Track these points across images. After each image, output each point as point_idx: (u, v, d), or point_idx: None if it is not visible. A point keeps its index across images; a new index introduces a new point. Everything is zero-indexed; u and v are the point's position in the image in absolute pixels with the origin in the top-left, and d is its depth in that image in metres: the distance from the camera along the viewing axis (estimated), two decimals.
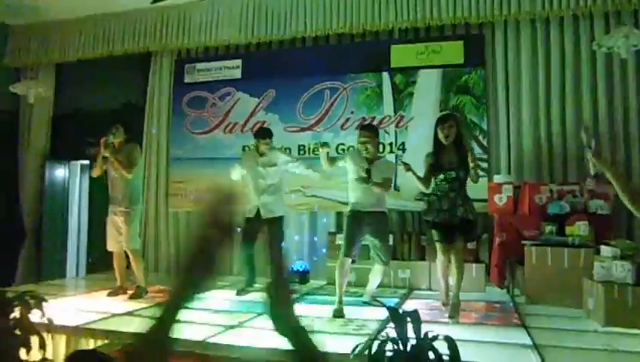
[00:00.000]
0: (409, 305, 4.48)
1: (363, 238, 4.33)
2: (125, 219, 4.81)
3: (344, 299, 4.17)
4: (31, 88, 6.33)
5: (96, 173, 4.99)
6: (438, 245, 4.20)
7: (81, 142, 7.09)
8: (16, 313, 2.95)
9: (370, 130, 4.43)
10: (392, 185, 4.63)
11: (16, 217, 7.15)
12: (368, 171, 4.17)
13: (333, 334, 3.51)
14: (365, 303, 4.51)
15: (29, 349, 2.87)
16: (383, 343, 2.55)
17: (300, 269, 5.69)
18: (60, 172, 7.45)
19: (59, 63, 7.30)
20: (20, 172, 7.29)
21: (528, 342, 3.30)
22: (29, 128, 7.35)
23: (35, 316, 2.87)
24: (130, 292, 4.85)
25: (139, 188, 5.04)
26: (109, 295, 4.85)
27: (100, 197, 7.14)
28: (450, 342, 2.46)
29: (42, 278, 6.51)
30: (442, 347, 2.35)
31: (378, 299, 4.61)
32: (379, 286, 4.72)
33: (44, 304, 2.91)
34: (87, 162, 7.36)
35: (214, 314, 4.09)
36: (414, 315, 2.64)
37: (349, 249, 4.20)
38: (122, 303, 4.57)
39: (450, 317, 3.92)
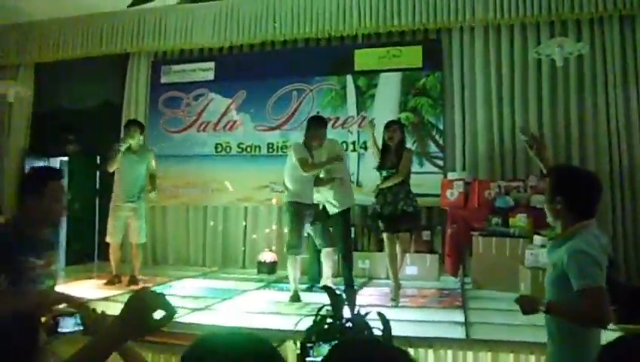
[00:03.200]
0: (366, 293, 4.88)
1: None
2: (136, 213, 5.15)
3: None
4: (10, 88, 6.58)
5: (113, 167, 5.19)
6: (384, 234, 4.56)
7: (60, 140, 7.38)
8: None
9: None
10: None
11: None
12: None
13: (288, 315, 3.89)
14: (308, 288, 4.87)
15: None
16: (323, 318, 2.95)
17: (268, 260, 6.04)
18: None
19: (38, 63, 7.53)
20: (0, 169, 7.52)
21: (461, 320, 3.71)
22: (9, 126, 7.56)
23: None
24: (124, 280, 5.17)
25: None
26: (107, 284, 5.11)
27: (77, 193, 7.46)
28: (383, 318, 2.85)
29: None
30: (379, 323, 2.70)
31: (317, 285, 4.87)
32: (337, 276, 5.01)
33: None
34: (65, 159, 7.63)
35: (183, 299, 4.46)
36: (350, 295, 3.03)
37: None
38: (107, 291, 4.87)
39: (392, 299, 4.32)
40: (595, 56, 5.80)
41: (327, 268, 4.74)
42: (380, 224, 4.50)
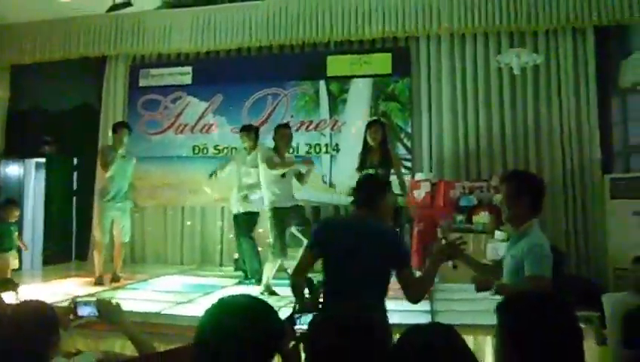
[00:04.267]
0: None
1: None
2: (124, 213, 5.33)
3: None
4: None
5: (111, 170, 5.28)
6: None
7: (37, 141, 7.47)
8: None
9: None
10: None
11: None
12: None
13: None
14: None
15: None
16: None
17: None
18: (15, 169, 7.75)
19: (14, 65, 7.59)
20: None
21: (428, 308, 4.05)
22: None
23: (8, 298, 3.37)
24: (107, 278, 5.29)
25: None
26: (96, 284, 5.18)
27: (54, 193, 7.56)
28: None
29: None
30: None
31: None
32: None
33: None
34: (42, 160, 7.71)
35: (166, 294, 4.68)
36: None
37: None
38: (85, 288, 5.04)
39: None
40: (550, 65, 6.24)
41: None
42: None
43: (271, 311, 1.36)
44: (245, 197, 5.39)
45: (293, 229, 4.81)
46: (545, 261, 2.31)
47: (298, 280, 2.55)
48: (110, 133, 5.59)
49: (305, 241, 4.99)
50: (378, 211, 2.56)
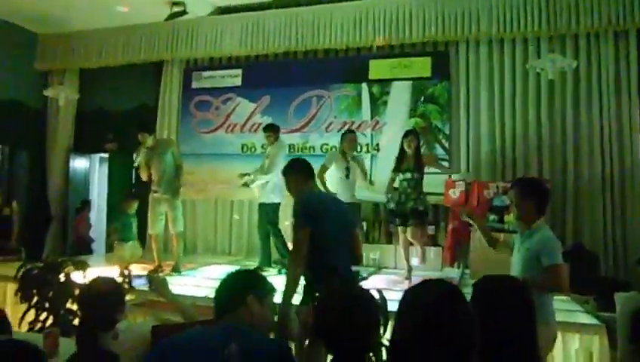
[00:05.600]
0: (375, 279, 5.50)
1: None
2: (170, 205, 5.66)
3: None
4: (61, 92, 7.35)
5: (144, 175, 5.76)
6: (397, 228, 5.40)
7: (101, 138, 8.15)
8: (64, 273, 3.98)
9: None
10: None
11: (44, 203, 8.20)
12: None
13: None
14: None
15: (73, 300, 3.89)
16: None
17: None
18: (82, 163, 8.48)
19: (82, 69, 8.30)
20: (48, 163, 8.31)
21: None
22: (56, 125, 8.36)
23: (78, 277, 3.88)
24: (166, 268, 5.66)
25: None
26: (151, 273, 5.38)
27: (116, 185, 8.22)
28: (380, 294, 3.46)
29: (67, 254, 7.53)
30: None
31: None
32: None
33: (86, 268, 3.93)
34: (106, 155, 8.40)
35: (213, 281, 5.13)
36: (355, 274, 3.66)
37: None
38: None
39: (405, 278, 5.30)
40: (591, 68, 6.26)
41: None
42: (390, 218, 5.37)
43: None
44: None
45: None
46: (558, 251, 2.75)
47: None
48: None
49: None
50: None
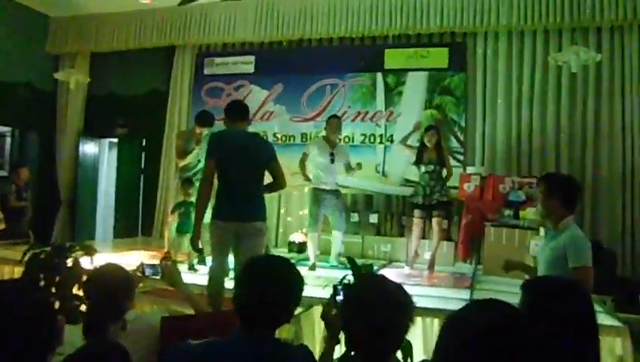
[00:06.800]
0: (386, 273, 5.40)
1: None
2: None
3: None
4: (72, 76, 7.27)
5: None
6: (416, 220, 5.43)
7: (111, 123, 8.08)
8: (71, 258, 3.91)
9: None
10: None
11: (53, 187, 8.16)
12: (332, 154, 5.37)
13: (315, 286, 4.44)
14: (333, 266, 5.47)
15: (80, 286, 3.82)
16: (344, 284, 3.48)
17: (298, 241, 6.60)
18: (92, 148, 8.42)
19: (94, 52, 8.21)
20: (57, 147, 8.26)
21: (467, 297, 4.20)
22: (66, 109, 8.29)
23: (85, 262, 3.81)
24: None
25: None
26: (163, 260, 5.27)
27: (125, 171, 8.17)
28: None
29: (75, 239, 7.49)
30: None
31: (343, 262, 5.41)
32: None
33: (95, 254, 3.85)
34: (115, 140, 8.34)
35: None
36: (368, 266, 3.56)
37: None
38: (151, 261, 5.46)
39: (428, 268, 5.37)
40: (614, 62, 6.10)
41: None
42: (415, 211, 5.37)
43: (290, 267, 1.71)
44: None
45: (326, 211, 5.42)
46: (587, 252, 2.59)
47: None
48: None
49: (335, 224, 5.46)
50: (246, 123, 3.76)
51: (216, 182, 3.61)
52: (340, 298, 2.01)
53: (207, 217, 3.73)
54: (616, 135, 6.05)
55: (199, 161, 5.31)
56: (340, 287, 2.11)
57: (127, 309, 2.06)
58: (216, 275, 3.62)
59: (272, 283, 1.58)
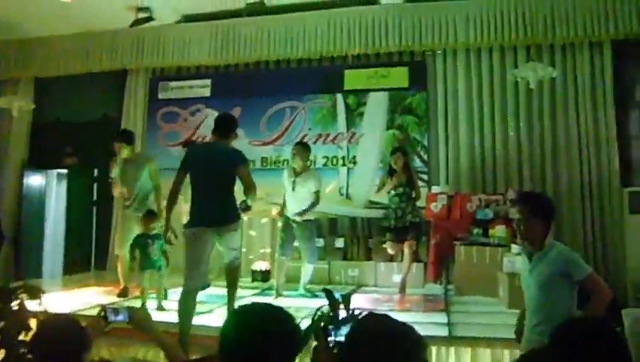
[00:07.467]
0: (355, 299, 5.20)
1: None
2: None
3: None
4: (14, 102, 6.81)
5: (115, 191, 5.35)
6: (389, 244, 5.37)
7: (59, 152, 7.62)
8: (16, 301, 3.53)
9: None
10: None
11: None
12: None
13: None
14: (301, 295, 5.25)
15: (28, 330, 3.46)
16: (321, 316, 3.26)
17: (262, 269, 6.33)
18: (38, 179, 7.92)
19: (38, 77, 7.76)
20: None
21: (444, 321, 4.06)
22: (8, 138, 7.78)
23: (32, 305, 3.45)
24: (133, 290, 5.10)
25: None
26: (120, 295, 5.11)
27: (75, 204, 7.70)
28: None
29: (20, 278, 6.95)
30: None
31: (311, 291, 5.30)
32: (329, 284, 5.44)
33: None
34: (64, 171, 7.87)
35: None
36: (346, 297, 3.36)
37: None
38: (108, 298, 5.08)
39: (399, 291, 5.28)
40: (567, 78, 6.25)
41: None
42: (388, 235, 5.27)
43: (288, 317, 1.41)
44: None
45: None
46: (582, 261, 2.50)
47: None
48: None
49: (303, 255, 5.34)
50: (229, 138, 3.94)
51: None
52: (332, 339, 1.80)
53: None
54: (572, 150, 6.16)
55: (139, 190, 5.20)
56: (330, 328, 1.89)
57: None
58: (194, 288, 3.82)
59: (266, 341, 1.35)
